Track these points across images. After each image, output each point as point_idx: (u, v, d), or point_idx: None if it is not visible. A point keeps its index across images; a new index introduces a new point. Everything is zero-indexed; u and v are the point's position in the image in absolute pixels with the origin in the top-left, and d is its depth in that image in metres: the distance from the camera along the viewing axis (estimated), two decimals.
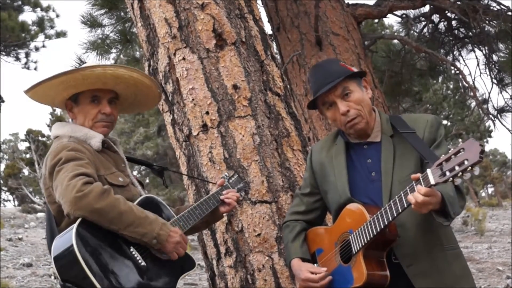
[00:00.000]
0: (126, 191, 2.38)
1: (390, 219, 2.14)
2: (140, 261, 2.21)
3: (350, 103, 2.36)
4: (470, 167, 1.85)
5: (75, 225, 2.12)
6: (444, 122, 16.03)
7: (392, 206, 2.13)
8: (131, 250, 2.21)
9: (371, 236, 2.19)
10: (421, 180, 2.01)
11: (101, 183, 2.21)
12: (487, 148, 35.82)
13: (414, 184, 2.05)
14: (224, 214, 3.13)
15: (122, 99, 2.60)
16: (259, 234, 3.09)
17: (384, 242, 2.25)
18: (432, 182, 1.96)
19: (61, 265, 2.13)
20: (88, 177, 2.18)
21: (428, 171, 1.99)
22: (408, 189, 2.07)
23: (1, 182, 26.43)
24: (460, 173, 1.88)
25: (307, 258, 2.53)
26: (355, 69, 2.42)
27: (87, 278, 2.05)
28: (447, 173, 1.91)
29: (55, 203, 2.29)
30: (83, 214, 2.13)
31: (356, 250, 2.26)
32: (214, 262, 3.28)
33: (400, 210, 2.11)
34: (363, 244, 2.22)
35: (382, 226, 2.16)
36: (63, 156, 2.27)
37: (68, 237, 2.12)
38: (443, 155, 1.96)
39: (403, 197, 2.09)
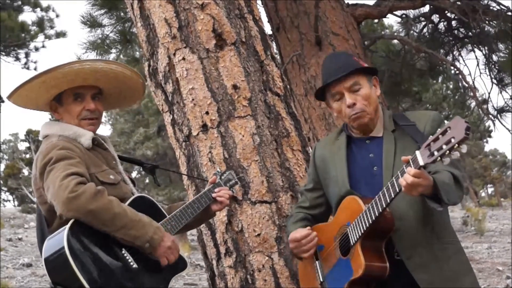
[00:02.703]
0: (118, 189, 2.35)
1: (384, 205, 2.15)
2: (132, 263, 2.18)
3: (357, 97, 2.37)
4: (457, 145, 1.84)
5: (67, 227, 2.09)
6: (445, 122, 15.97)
7: (385, 192, 2.15)
8: (123, 252, 2.19)
9: (367, 225, 2.20)
10: (411, 162, 2.02)
11: (94, 184, 2.18)
12: (487, 148, 35.85)
13: (404, 167, 2.05)
14: (224, 213, 3.14)
15: (107, 94, 2.56)
16: (259, 234, 3.09)
17: (381, 231, 2.25)
18: (421, 163, 1.96)
19: (51, 267, 2.10)
20: (80, 176, 2.15)
21: (417, 152, 1.99)
22: (399, 173, 2.08)
23: (1, 182, 26.42)
24: (448, 151, 1.87)
25: None
26: (366, 65, 2.45)
27: (78, 281, 2.02)
28: (435, 153, 1.91)
29: (46, 203, 2.26)
30: (76, 215, 2.10)
31: (354, 242, 2.27)
32: (214, 262, 3.28)
33: (393, 195, 2.12)
34: (360, 234, 2.23)
35: (377, 214, 2.17)
36: (54, 155, 2.23)
37: (59, 239, 2.09)
38: (431, 136, 1.96)
39: (395, 182, 2.11)
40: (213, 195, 2.64)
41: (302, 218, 2.61)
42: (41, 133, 2.47)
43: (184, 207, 2.53)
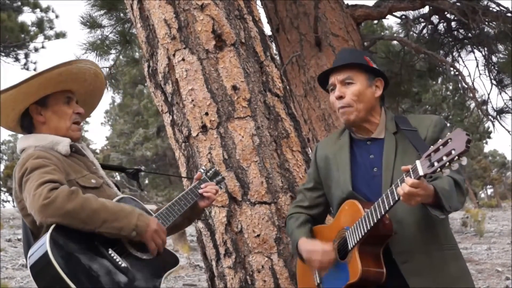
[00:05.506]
0: (101, 192, 2.30)
1: (383, 213, 2.15)
2: (120, 263, 2.12)
3: (347, 91, 2.39)
4: (457, 157, 1.86)
5: (49, 231, 2.05)
6: None
7: (384, 199, 2.15)
8: (110, 252, 2.13)
9: (365, 231, 2.20)
10: (411, 172, 2.02)
11: (68, 186, 2.11)
12: (487, 149, 35.87)
13: (404, 176, 2.05)
14: (223, 214, 3.14)
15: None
16: (258, 235, 3.09)
17: (380, 237, 2.25)
18: (421, 173, 1.97)
19: (37, 272, 2.04)
20: (54, 183, 2.10)
21: (417, 162, 2.00)
22: (399, 182, 2.08)
23: (1, 183, 26.41)
24: (448, 163, 1.88)
25: None
26: (375, 67, 2.45)
27: (65, 284, 1.96)
28: (435, 164, 1.92)
29: (29, 215, 2.20)
30: (55, 220, 2.05)
31: (351, 246, 2.27)
32: (213, 263, 3.28)
33: (391, 203, 2.12)
34: (358, 239, 2.23)
35: (376, 221, 2.17)
36: (29, 165, 2.19)
37: (41, 244, 2.04)
38: (432, 146, 1.97)
39: (394, 190, 2.10)
40: (200, 191, 2.60)
41: (305, 221, 2.58)
42: (18, 148, 2.40)
43: (170, 204, 2.47)
